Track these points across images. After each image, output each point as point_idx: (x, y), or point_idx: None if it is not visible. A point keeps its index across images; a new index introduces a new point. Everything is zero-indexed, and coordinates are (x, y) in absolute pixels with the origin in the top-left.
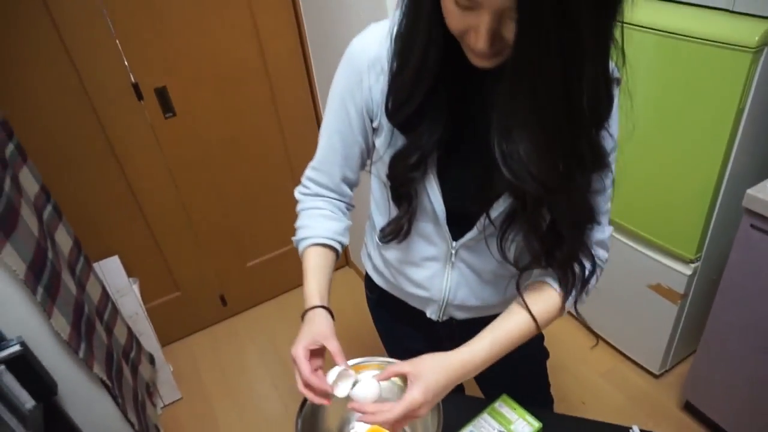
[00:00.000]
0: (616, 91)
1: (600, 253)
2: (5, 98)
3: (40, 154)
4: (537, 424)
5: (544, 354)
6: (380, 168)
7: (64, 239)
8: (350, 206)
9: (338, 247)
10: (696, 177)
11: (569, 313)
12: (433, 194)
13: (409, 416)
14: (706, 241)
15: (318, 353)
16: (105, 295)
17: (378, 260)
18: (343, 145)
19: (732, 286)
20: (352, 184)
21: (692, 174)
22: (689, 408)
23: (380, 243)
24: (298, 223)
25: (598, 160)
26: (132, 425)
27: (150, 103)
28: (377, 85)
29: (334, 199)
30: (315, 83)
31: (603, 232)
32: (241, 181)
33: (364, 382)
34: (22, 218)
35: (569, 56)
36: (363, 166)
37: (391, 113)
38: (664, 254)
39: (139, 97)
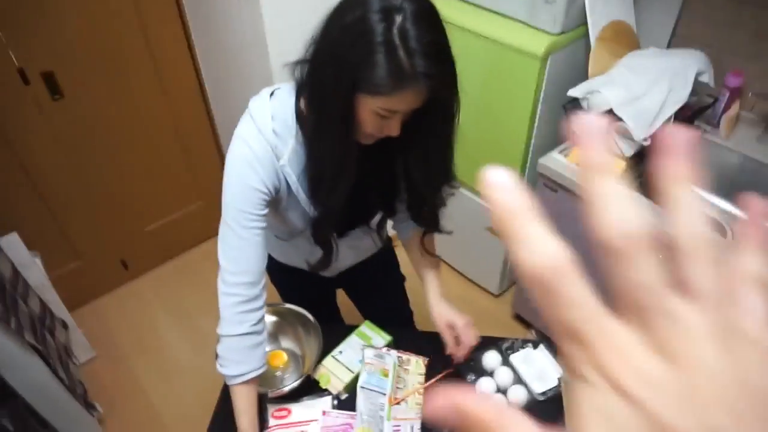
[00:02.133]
0: None
1: None
2: None
3: None
4: (389, 338)
5: (402, 278)
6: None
7: None
8: (264, 292)
9: (264, 369)
10: (512, 148)
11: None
12: None
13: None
14: None
15: None
16: (15, 271)
17: (279, 249)
18: (261, 237)
19: None
20: (264, 252)
21: (509, 145)
22: (518, 318)
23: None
24: (223, 352)
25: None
26: (62, 381)
27: (37, 87)
28: (269, 173)
29: (257, 298)
30: (197, 57)
31: None
32: (134, 153)
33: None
34: None
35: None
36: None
37: (318, 204)
38: None
39: (26, 82)
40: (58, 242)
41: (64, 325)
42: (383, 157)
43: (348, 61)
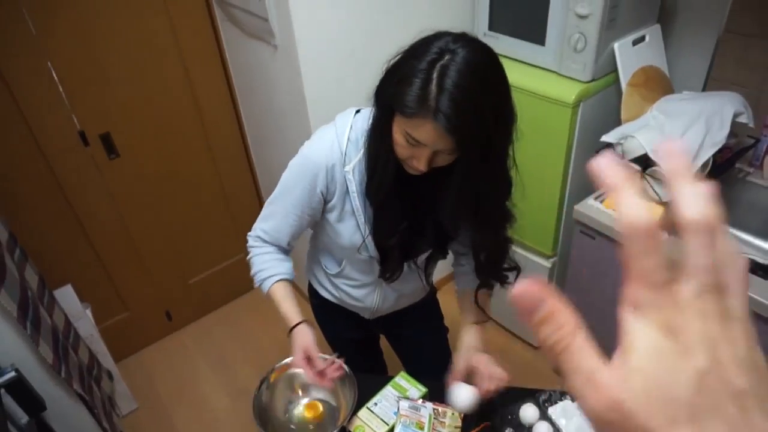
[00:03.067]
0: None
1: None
2: None
3: None
4: (424, 389)
5: (446, 330)
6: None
7: (30, 276)
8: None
9: (292, 278)
10: (546, 194)
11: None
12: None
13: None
14: (559, 242)
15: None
16: (68, 322)
17: (326, 283)
18: (299, 224)
19: (574, 274)
20: (292, 245)
21: (544, 192)
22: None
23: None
24: (256, 267)
25: (510, 218)
26: (105, 431)
27: (95, 148)
28: (327, 173)
29: (281, 250)
30: (242, 119)
31: None
32: (180, 209)
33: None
34: (7, 265)
35: (489, 179)
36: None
37: (370, 200)
38: (533, 252)
39: (86, 143)
40: (108, 294)
41: (110, 376)
42: (434, 194)
43: (395, 76)
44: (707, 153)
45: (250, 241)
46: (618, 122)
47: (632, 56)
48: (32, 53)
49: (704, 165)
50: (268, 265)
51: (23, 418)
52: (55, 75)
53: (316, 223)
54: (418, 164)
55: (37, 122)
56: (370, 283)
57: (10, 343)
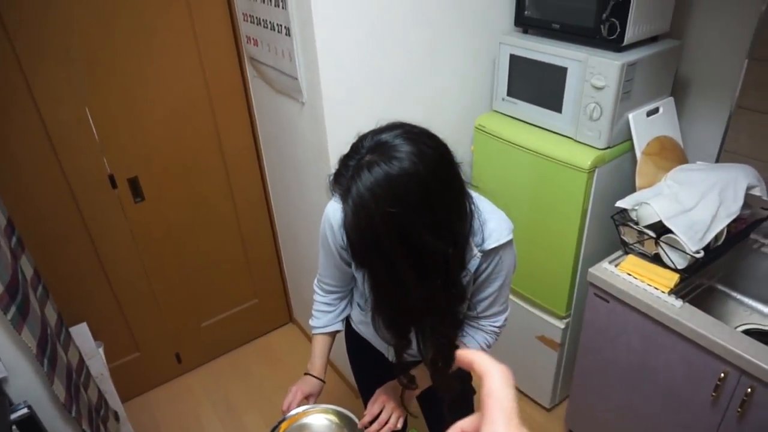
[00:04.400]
0: (492, 282)
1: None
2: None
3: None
4: None
5: (473, 391)
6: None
7: (50, 313)
8: (350, 291)
9: (334, 329)
10: (561, 257)
11: None
12: None
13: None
14: (573, 303)
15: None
16: (81, 360)
17: (355, 315)
18: (334, 266)
19: (588, 337)
20: (348, 276)
21: (559, 255)
22: None
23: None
24: (312, 312)
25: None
26: None
27: (123, 191)
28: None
29: (338, 291)
30: (264, 170)
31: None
32: (199, 253)
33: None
34: (30, 301)
35: (388, 275)
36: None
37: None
38: (546, 312)
39: (114, 185)
40: (120, 334)
41: (116, 417)
42: None
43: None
44: (721, 224)
45: (315, 287)
46: (632, 189)
47: (646, 126)
48: (74, 102)
49: (718, 235)
50: (315, 315)
51: None
52: (91, 120)
53: None
54: None
55: (70, 164)
56: None
57: (25, 379)
